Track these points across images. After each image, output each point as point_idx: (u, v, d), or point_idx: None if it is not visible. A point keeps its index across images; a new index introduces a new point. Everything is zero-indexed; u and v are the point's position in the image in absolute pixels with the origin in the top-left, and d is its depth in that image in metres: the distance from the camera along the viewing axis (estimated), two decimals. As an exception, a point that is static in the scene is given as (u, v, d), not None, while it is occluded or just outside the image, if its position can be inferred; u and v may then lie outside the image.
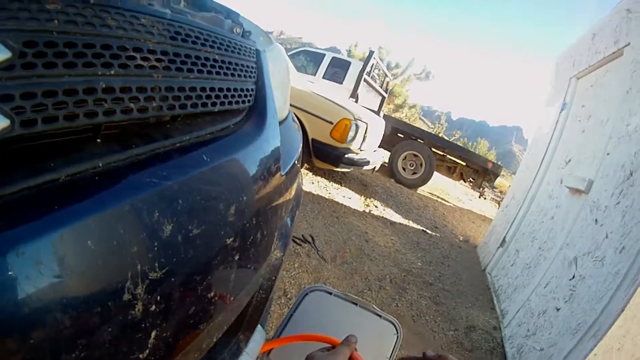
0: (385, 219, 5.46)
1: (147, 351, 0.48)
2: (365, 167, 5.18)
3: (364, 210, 5.35)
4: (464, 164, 8.95)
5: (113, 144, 0.44)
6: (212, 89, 0.58)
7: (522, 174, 5.20)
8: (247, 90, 0.70)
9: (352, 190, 5.92)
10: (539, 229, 3.80)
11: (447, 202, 9.00)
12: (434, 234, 5.73)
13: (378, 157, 5.70)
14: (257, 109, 0.74)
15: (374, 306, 1.10)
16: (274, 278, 1.03)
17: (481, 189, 10.13)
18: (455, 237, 6.02)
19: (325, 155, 4.52)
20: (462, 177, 9.37)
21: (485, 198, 11.36)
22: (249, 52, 0.75)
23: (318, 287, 1.13)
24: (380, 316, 1.10)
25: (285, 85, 1.09)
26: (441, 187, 10.06)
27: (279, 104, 0.92)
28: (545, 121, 5.06)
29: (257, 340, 1.14)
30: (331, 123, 4.38)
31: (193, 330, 0.58)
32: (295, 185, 0.99)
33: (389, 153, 8.55)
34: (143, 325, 0.46)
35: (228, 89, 0.62)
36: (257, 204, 0.68)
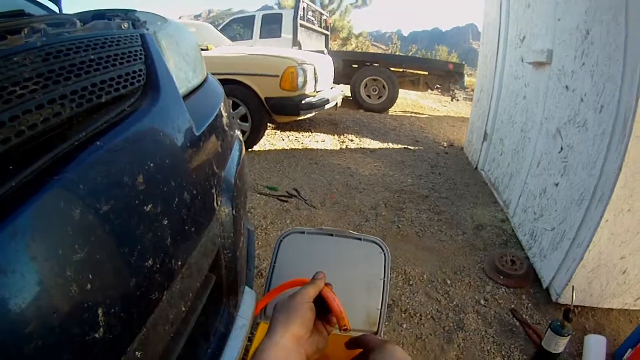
0: (364, 149, 5.38)
1: (102, 330, 0.51)
2: (328, 106, 5.13)
3: (340, 148, 5.28)
4: (426, 72, 8.82)
5: (20, 161, 0.49)
6: (93, 85, 0.62)
7: (484, 65, 5.12)
8: (135, 72, 0.74)
9: (324, 133, 5.85)
10: (515, 112, 3.74)
11: (422, 114, 8.89)
12: (416, 148, 5.66)
13: (336, 92, 5.65)
14: (150, 86, 0.78)
15: (350, 231, 1.07)
16: (234, 235, 1.03)
17: (451, 92, 10.12)
18: (439, 145, 5.93)
19: (283, 109, 4.48)
20: (428, 86, 9.24)
21: (458, 100, 11.29)
22: (132, 40, 0.80)
23: (290, 230, 1.08)
24: (360, 239, 1.06)
25: (191, 55, 1.14)
26: (412, 102, 9.98)
27: (185, 74, 1.02)
28: (490, 7, 4.93)
29: (248, 302, 1.17)
30: (277, 76, 4.33)
31: (146, 302, 0.62)
32: (221, 142, 1.04)
33: (349, 86, 8.43)
34: (86, 304, 0.49)
35: (112, 79, 0.67)
36: (170, 167, 0.71)
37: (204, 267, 0.85)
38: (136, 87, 0.73)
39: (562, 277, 2.27)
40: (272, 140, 5.27)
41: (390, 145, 5.63)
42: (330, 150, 5.12)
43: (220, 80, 4.20)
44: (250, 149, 4.63)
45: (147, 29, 0.92)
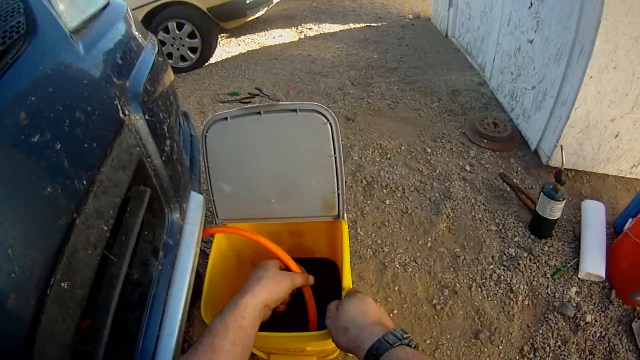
0: (324, 34, 5.04)
1: (15, 266, 0.52)
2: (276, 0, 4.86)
3: (299, 39, 4.94)
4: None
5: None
6: None
7: None
8: (13, 27, 0.73)
9: (281, 28, 5.47)
10: None
11: (382, -9, 8.36)
12: (380, 24, 5.30)
13: None
14: (30, 32, 0.76)
15: (281, 103, 0.90)
16: (157, 141, 0.99)
17: (410, -38, 9.45)
18: (404, 18, 5.56)
19: (228, 14, 4.18)
20: (384, -40, 8.59)
21: (418, -29, 10.69)
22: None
23: (211, 120, 0.97)
24: (295, 110, 0.89)
25: None
26: (370, -19, 9.36)
27: (79, 7, 1.00)
28: None
29: (195, 207, 1.10)
30: None
31: (54, 230, 0.61)
32: (120, 53, 1.02)
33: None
34: None
35: None
36: (54, 94, 0.70)
37: (122, 180, 0.83)
38: (16, 38, 0.74)
39: (549, 137, 2.17)
40: (228, 47, 4.95)
41: (352, 26, 5.29)
42: (289, 42, 4.82)
43: (158, 6, 3.93)
44: (206, 63, 4.37)
45: None
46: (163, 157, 1.01)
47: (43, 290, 0.56)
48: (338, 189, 0.98)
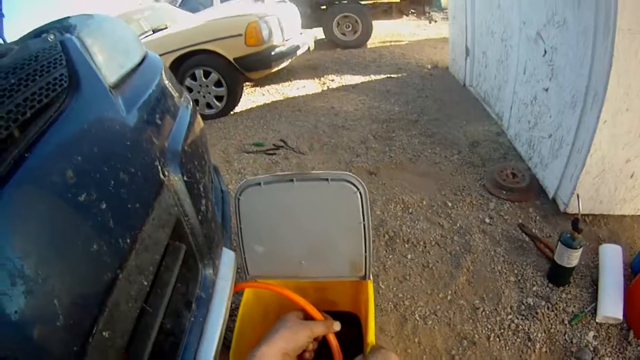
0: (346, 85, 5.19)
1: (61, 317, 0.55)
2: (300, 52, 5.04)
3: (322, 90, 5.09)
4: (397, 0, 8.44)
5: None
6: (17, 105, 0.63)
7: (453, -21, 4.89)
8: (55, 79, 0.75)
9: (304, 79, 5.65)
10: (492, 21, 3.58)
11: (401, 41, 8.52)
12: (400, 75, 5.44)
13: (307, 37, 5.52)
14: (72, 86, 0.79)
15: (314, 172, 0.99)
16: (193, 200, 1.03)
17: (427, 14, 9.76)
18: (423, 69, 5.70)
19: (254, 65, 4.35)
20: (402, 13, 8.92)
21: (436, 21, 10.81)
22: (51, 50, 0.82)
23: (244, 185, 1.00)
24: (327, 180, 0.94)
25: (122, 41, 1.20)
26: (389, 31, 9.56)
27: (117, 61, 1.06)
28: None
29: (227, 263, 1.18)
30: (241, 35, 4.19)
31: (100, 284, 0.65)
32: (160, 114, 1.07)
33: (322, 28, 8.06)
34: (41, 296, 0.53)
35: (33, 94, 0.68)
36: (99, 154, 0.73)
37: (161, 239, 0.87)
38: (59, 91, 0.75)
39: (567, 185, 2.19)
40: (253, 97, 5.11)
41: (373, 77, 5.41)
42: (312, 94, 4.95)
43: (184, 54, 4.24)
44: (232, 112, 4.52)
45: (72, 33, 0.95)
46: (199, 217, 1.05)
47: (85, 339, 0.59)
48: (366, 252, 1.01)
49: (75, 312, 0.58)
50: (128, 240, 0.73)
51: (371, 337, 0.98)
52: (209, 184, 1.35)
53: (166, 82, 1.28)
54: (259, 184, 0.96)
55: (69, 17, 1.10)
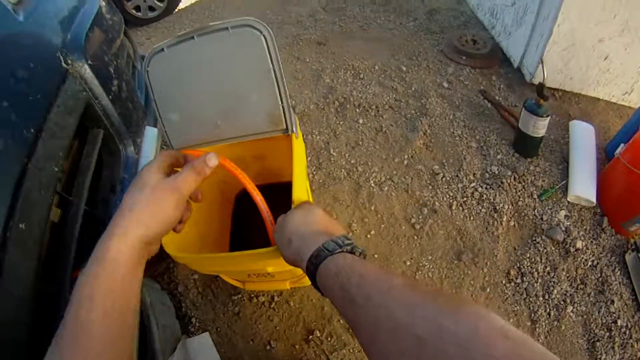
0: None
1: None
2: None
3: None
4: None
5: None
6: None
7: None
8: None
9: None
10: None
11: None
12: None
13: None
14: None
15: (212, 24, 0.81)
16: (103, 83, 1.07)
17: None
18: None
19: None
20: None
21: None
22: None
23: (149, 54, 0.87)
24: (227, 28, 0.82)
25: None
26: None
27: None
28: None
29: (149, 141, 1.23)
30: None
31: (7, 176, 0.67)
32: (56, 9, 1.11)
33: None
34: None
35: None
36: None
37: (70, 123, 0.89)
38: None
39: (532, 54, 2.04)
40: None
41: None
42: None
43: None
44: (175, 9, 4.12)
45: None
46: (110, 97, 1.08)
47: (4, 232, 0.60)
48: (282, 102, 0.91)
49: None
50: (32, 130, 0.76)
51: (297, 193, 0.91)
52: (125, 67, 1.33)
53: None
54: (162, 49, 0.86)
55: None
